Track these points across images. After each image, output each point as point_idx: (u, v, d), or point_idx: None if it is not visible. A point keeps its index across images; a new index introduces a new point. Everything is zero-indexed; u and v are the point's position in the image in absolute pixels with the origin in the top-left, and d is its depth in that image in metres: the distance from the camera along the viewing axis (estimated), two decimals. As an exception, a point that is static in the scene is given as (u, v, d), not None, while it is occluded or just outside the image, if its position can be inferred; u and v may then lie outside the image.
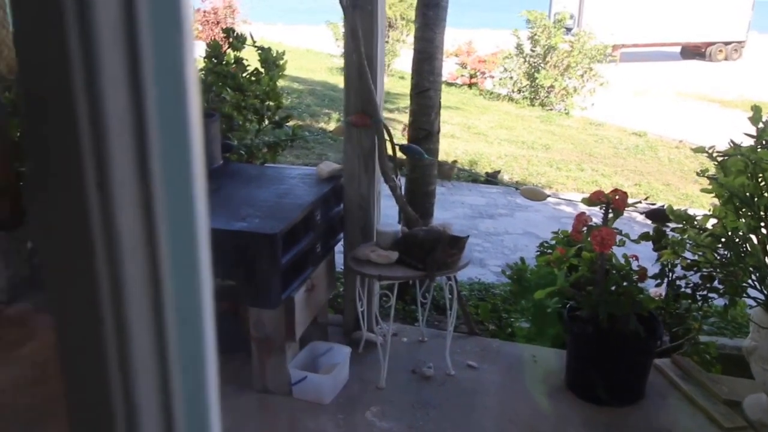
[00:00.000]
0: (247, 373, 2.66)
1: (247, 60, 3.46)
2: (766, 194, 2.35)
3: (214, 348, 0.42)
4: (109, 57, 0.33)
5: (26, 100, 0.35)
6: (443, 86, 3.49)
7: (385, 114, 2.84)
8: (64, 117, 0.34)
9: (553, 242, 3.31)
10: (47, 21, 0.33)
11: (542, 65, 12.14)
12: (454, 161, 7.00)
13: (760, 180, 2.36)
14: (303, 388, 2.55)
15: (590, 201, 2.58)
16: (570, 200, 5.78)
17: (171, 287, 0.38)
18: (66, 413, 0.39)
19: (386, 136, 2.83)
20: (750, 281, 2.40)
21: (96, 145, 0.34)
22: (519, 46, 12.41)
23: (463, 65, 13.70)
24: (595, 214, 2.71)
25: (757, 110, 2.42)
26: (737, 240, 2.41)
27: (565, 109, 11.99)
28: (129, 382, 0.38)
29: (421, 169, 3.42)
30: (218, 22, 15.06)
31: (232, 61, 3.39)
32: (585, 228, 2.54)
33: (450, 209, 6.03)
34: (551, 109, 12.06)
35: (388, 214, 3.24)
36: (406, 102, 3.64)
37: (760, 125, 2.42)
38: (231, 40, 3.45)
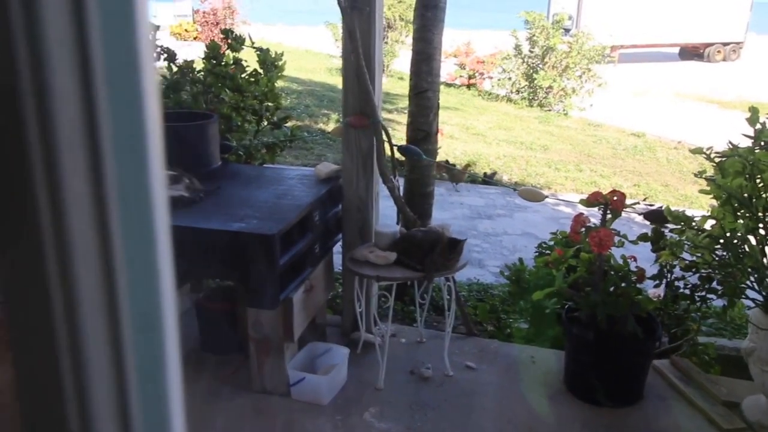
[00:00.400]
0: (245, 374, 2.66)
1: (245, 61, 3.46)
2: (764, 195, 2.35)
3: (177, 355, 0.41)
4: (60, 70, 0.33)
5: None
6: (442, 87, 3.49)
7: (384, 114, 2.85)
8: (12, 130, 0.33)
9: (552, 243, 3.31)
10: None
11: (541, 66, 12.16)
12: (467, 165, 6.93)
13: (758, 181, 2.36)
14: (301, 388, 2.55)
15: (588, 202, 2.58)
16: (569, 201, 5.78)
17: (127, 296, 0.37)
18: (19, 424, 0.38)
19: (385, 137, 2.83)
20: (748, 282, 2.40)
21: (47, 156, 0.33)
22: (517, 47, 12.43)
23: (462, 66, 13.72)
24: (594, 215, 2.71)
25: (754, 111, 2.42)
26: (735, 241, 2.41)
27: (564, 110, 12.01)
28: (84, 393, 0.37)
29: (420, 169, 3.42)
30: (217, 23, 15.07)
31: (231, 62, 3.39)
32: (583, 229, 2.54)
33: (449, 210, 6.03)
34: (550, 110, 12.08)
35: (386, 214, 3.24)
36: (406, 103, 3.64)
37: (758, 126, 2.42)
38: (229, 41, 3.45)
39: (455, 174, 6.61)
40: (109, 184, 0.35)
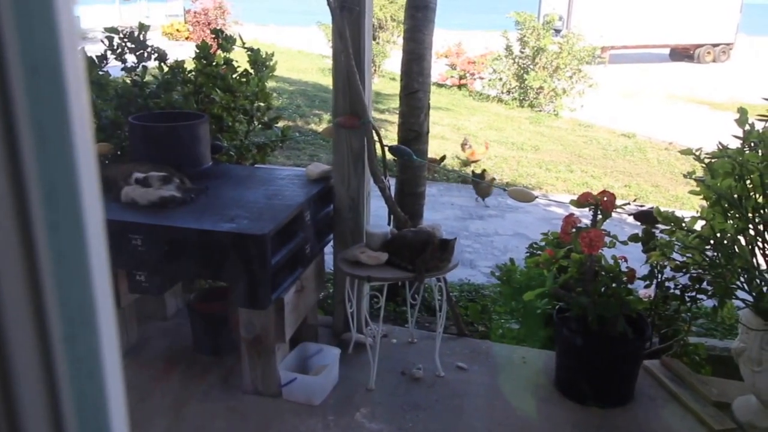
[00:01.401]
0: (236, 375, 2.65)
1: (236, 61, 3.44)
2: (753, 196, 2.36)
3: (116, 352, 0.39)
4: None
5: None
6: (433, 87, 3.49)
7: (375, 115, 2.84)
8: None
9: (543, 244, 3.32)
10: None
11: (531, 66, 12.19)
12: (492, 179, 6.46)
13: (747, 182, 2.37)
14: (293, 389, 2.54)
15: (579, 203, 2.59)
16: (560, 201, 5.80)
17: (56, 294, 0.35)
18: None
19: (375, 137, 2.82)
20: (738, 282, 2.41)
21: None
22: (508, 48, 12.46)
23: (453, 66, 13.74)
24: (585, 215, 2.72)
25: (743, 112, 2.43)
26: (725, 241, 2.42)
27: (555, 111, 12.05)
28: (12, 393, 0.36)
29: (411, 170, 3.42)
30: (209, 23, 15.01)
31: (222, 62, 3.37)
32: (574, 229, 2.55)
33: (440, 210, 6.03)
34: (540, 111, 12.11)
35: (377, 215, 3.24)
36: (397, 103, 3.64)
37: (747, 127, 2.43)
38: (220, 41, 3.43)
39: (483, 188, 6.24)
40: (31, 180, 0.34)
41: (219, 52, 3.42)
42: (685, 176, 2.67)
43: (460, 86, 13.60)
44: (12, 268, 0.34)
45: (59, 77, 0.34)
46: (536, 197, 3.18)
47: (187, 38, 16.54)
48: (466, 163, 7.82)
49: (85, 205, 0.36)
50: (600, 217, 2.55)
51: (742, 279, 2.39)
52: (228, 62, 3.39)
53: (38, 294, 0.35)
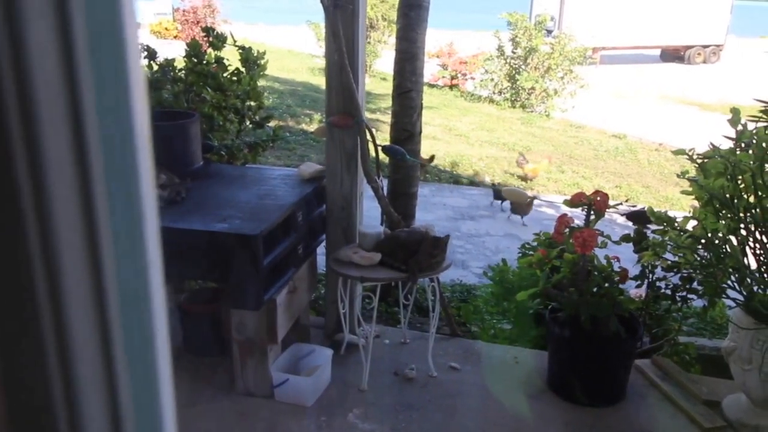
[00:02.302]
0: (228, 376, 2.63)
1: (227, 59, 3.42)
2: (745, 196, 2.37)
3: (167, 349, 0.40)
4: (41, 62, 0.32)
5: None
6: (424, 87, 3.49)
7: (367, 115, 2.83)
8: None
9: (535, 244, 3.32)
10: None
11: (523, 67, 12.21)
12: (534, 197, 5.74)
13: (739, 182, 2.38)
14: (285, 390, 2.53)
15: (572, 203, 2.59)
16: (551, 202, 5.81)
17: (114, 275, 0.36)
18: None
19: (369, 137, 2.81)
20: (729, 282, 2.42)
21: (30, 148, 0.32)
22: (500, 48, 12.47)
23: (444, 66, 13.74)
24: (576, 216, 2.72)
25: (735, 113, 2.44)
26: (717, 241, 2.43)
27: (546, 111, 12.07)
28: (72, 388, 0.36)
29: (404, 170, 3.41)
30: (198, 22, 14.92)
31: (213, 60, 3.35)
32: (567, 229, 2.55)
33: (432, 211, 6.03)
34: (532, 111, 12.13)
35: (370, 215, 3.23)
36: (388, 103, 3.63)
37: (739, 128, 2.44)
38: (211, 39, 3.41)
39: (521, 207, 5.46)
40: (96, 170, 0.34)
41: (209, 50, 3.40)
42: (678, 176, 2.68)
43: (451, 86, 13.60)
44: (75, 251, 0.35)
45: (125, 76, 0.35)
46: (529, 197, 3.19)
47: (175, 37, 16.41)
48: (523, 178, 7.35)
49: (144, 195, 0.38)
50: (593, 217, 2.56)
51: (733, 278, 2.40)
52: (219, 61, 3.37)
53: (98, 278, 0.36)
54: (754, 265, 2.39)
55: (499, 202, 5.93)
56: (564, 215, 2.61)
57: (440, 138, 9.18)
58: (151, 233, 0.38)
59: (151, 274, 0.38)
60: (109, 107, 0.34)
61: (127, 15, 0.34)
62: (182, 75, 3.35)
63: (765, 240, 2.34)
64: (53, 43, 0.32)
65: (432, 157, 7.10)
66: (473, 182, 7.27)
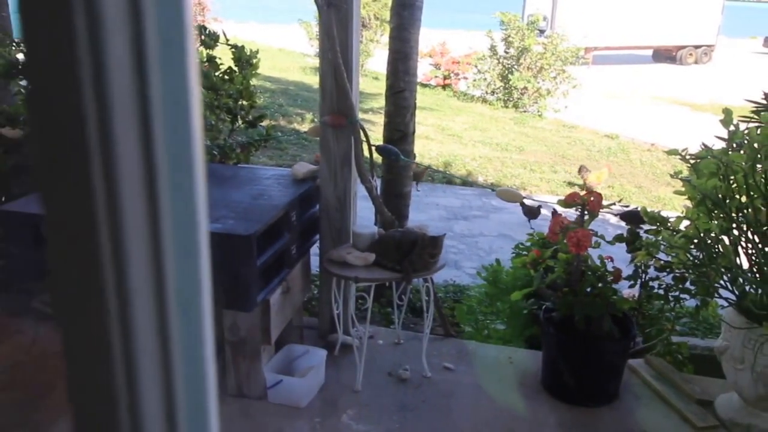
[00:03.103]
0: (221, 377, 2.61)
1: (219, 58, 3.40)
2: (737, 196, 2.38)
3: (212, 347, 0.43)
4: (115, 49, 0.33)
5: (33, 97, 0.35)
6: (417, 87, 3.49)
7: (359, 114, 2.82)
8: (71, 113, 0.34)
9: (529, 244, 3.32)
10: (55, 16, 0.33)
11: (516, 67, 12.23)
12: (527, 198, 5.59)
13: (731, 182, 2.39)
14: (278, 391, 2.51)
15: (566, 203, 2.60)
16: (544, 202, 5.82)
17: (174, 283, 0.38)
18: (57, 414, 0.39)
19: (363, 137, 2.80)
20: (721, 282, 2.43)
21: (103, 141, 0.34)
22: (493, 48, 12.48)
23: (437, 66, 13.74)
24: (569, 216, 2.73)
25: (728, 113, 2.45)
26: (709, 241, 2.44)
27: (539, 111, 12.10)
28: (133, 383, 0.38)
29: (397, 170, 3.41)
30: (188, 20, 14.81)
31: (205, 59, 3.33)
32: (561, 229, 2.55)
33: (425, 211, 6.03)
34: (525, 111, 12.16)
35: (363, 215, 3.22)
36: (380, 102, 3.63)
37: (731, 128, 2.45)
38: (203, 37, 3.39)
39: (532, 210, 5.35)
40: (161, 174, 0.36)
41: (201, 49, 3.37)
42: (672, 176, 2.69)
43: (444, 86, 13.61)
44: (140, 252, 0.37)
45: (186, 72, 0.37)
46: (524, 198, 3.19)
47: None
48: (583, 187, 7.04)
49: (198, 204, 0.39)
50: (587, 217, 2.56)
51: (725, 278, 2.41)
52: (211, 59, 3.35)
53: (160, 279, 0.38)
54: (746, 265, 2.40)
55: (528, 220, 5.41)
56: (558, 215, 2.61)
57: (433, 138, 9.18)
58: (203, 231, 0.40)
59: (203, 272, 0.41)
60: (172, 111, 0.36)
61: (188, 24, 0.36)
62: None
63: (757, 240, 2.35)
64: (128, 54, 0.34)
65: (426, 168, 6.98)
66: (466, 182, 7.27)
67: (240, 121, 3.49)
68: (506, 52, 12.38)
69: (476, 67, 12.90)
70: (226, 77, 3.37)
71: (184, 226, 0.38)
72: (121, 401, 0.38)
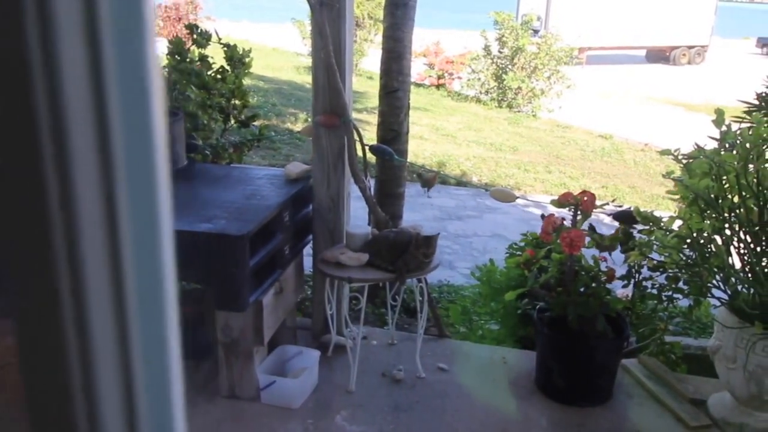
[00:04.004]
0: (213, 379, 2.60)
1: (212, 57, 3.39)
2: (729, 196, 2.38)
3: (178, 346, 0.42)
4: (67, 40, 0.32)
5: None
6: (411, 87, 3.48)
7: (353, 114, 2.81)
8: (22, 108, 0.33)
9: (523, 244, 3.32)
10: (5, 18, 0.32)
11: (510, 67, 12.24)
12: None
13: (723, 182, 2.39)
14: (271, 392, 2.50)
15: (559, 203, 2.59)
16: (538, 202, 5.82)
17: (134, 283, 0.37)
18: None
19: (356, 137, 2.79)
20: (714, 281, 2.43)
21: (55, 136, 0.33)
22: (487, 48, 12.48)
23: (431, 66, 13.74)
24: (563, 216, 2.72)
25: (720, 113, 2.45)
26: (702, 241, 2.44)
27: (533, 111, 12.11)
28: (91, 388, 0.37)
29: (391, 170, 3.40)
30: (180, 18, 14.73)
31: (197, 58, 3.31)
32: (554, 229, 2.55)
33: (419, 211, 6.02)
34: (519, 111, 12.17)
35: (357, 216, 3.21)
36: (374, 102, 3.62)
37: (723, 128, 2.46)
38: (195, 36, 3.37)
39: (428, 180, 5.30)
40: (119, 178, 0.36)
41: (193, 47, 3.35)
42: (664, 176, 2.69)
43: (438, 86, 13.60)
44: (97, 251, 0.36)
45: (146, 81, 0.36)
46: (518, 198, 3.18)
47: (157, 34, 16.22)
48: None
49: (161, 209, 0.39)
50: (580, 217, 2.56)
51: (717, 278, 2.42)
52: (203, 58, 3.33)
53: (118, 275, 0.37)
54: (738, 265, 2.41)
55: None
56: (552, 215, 2.61)
57: (427, 138, 9.18)
58: (166, 231, 0.39)
59: (166, 272, 0.39)
60: (130, 108, 0.36)
61: (147, 12, 0.35)
62: (165, 73, 3.31)
63: (749, 239, 2.36)
64: (82, 51, 0.33)
65: (437, 174, 6.90)
66: (460, 182, 7.27)
67: (232, 121, 3.47)
68: (500, 52, 12.38)
69: (470, 66, 12.90)
70: (218, 76, 3.35)
71: (144, 224, 0.37)
72: (79, 409, 0.37)
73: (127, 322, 0.37)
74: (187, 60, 3.29)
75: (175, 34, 7.75)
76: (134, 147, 0.36)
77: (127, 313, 0.37)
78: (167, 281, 0.40)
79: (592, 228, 2.92)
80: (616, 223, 2.97)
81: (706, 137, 2.53)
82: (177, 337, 0.41)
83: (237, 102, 3.43)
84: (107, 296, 0.36)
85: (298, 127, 8.61)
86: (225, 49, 3.40)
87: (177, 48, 3.27)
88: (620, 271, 2.84)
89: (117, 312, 0.37)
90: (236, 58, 3.38)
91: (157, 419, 0.40)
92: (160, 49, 3.41)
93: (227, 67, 3.39)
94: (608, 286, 2.65)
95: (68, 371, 0.36)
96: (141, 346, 0.38)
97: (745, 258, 2.38)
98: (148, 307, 0.38)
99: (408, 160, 3.68)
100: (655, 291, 2.88)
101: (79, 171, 0.34)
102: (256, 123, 3.64)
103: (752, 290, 2.37)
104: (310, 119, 2.82)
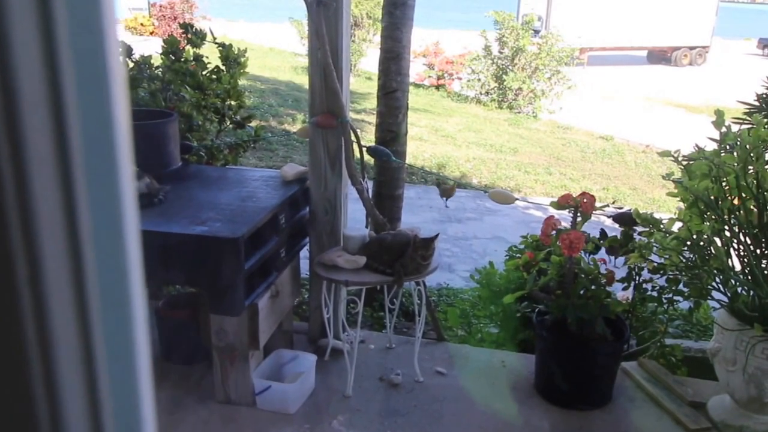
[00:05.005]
0: (208, 384, 2.58)
1: (207, 57, 3.36)
2: (729, 198, 2.36)
3: (147, 353, 0.41)
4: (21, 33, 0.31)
5: None
6: (410, 87, 3.45)
7: (351, 115, 2.78)
8: None
9: (522, 246, 3.29)
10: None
11: (510, 67, 12.21)
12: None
13: (723, 183, 2.37)
14: (267, 397, 2.48)
15: (559, 204, 2.57)
16: (539, 204, 5.80)
17: (96, 284, 0.36)
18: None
19: (353, 137, 2.77)
20: (714, 284, 2.41)
21: (9, 131, 0.32)
22: (487, 48, 12.45)
23: (431, 66, 13.72)
24: (563, 218, 2.70)
25: (720, 115, 2.43)
26: (702, 243, 2.42)
27: (533, 112, 12.08)
28: (53, 392, 0.36)
29: (389, 172, 3.37)
30: (175, 18, 14.69)
31: (191, 58, 3.28)
32: (554, 232, 2.53)
33: (418, 213, 6.00)
34: (519, 112, 12.14)
35: (354, 218, 3.19)
36: (373, 103, 3.59)
37: (723, 130, 2.43)
38: (189, 35, 3.34)
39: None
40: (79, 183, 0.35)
41: (188, 47, 3.33)
42: (664, 177, 2.66)
43: (438, 86, 13.58)
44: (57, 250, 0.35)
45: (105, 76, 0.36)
46: (517, 199, 3.16)
47: (152, 33, 16.08)
48: None
49: (123, 194, 0.38)
50: (580, 219, 2.53)
51: (717, 280, 2.40)
52: (198, 58, 3.30)
53: (80, 278, 0.36)
54: (738, 267, 2.39)
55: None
56: (551, 217, 2.59)
57: (426, 139, 9.15)
58: (131, 234, 0.38)
59: (132, 276, 0.38)
60: (90, 104, 0.35)
61: (108, 13, 0.35)
62: (159, 73, 3.27)
63: (748, 241, 2.34)
64: (36, 41, 0.32)
65: (455, 184, 6.66)
66: (460, 184, 7.23)
67: (228, 122, 3.45)
68: (500, 53, 12.35)
69: (470, 67, 12.87)
70: (213, 76, 3.32)
71: (106, 222, 0.36)
72: (41, 412, 0.35)
73: (90, 316, 0.36)
74: (182, 60, 3.26)
75: (169, 34, 7.72)
76: (94, 139, 0.35)
77: (89, 307, 0.36)
78: (133, 276, 0.38)
79: (603, 233, 2.90)
80: (617, 225, 2.95)
81: (707, 139, 2.51)
82: (146, 334, 0.40)
83: (232, 102, 3.41)
84: (68, 291, 0.35)
85: (296, 127, 8.59)
86: (220, 48, 3.37)
87: (171, 47, 3.24)
88: (620, 273, 2.82)
89: (78, 306, 0.35)
90: (231, 58, 3.36)
91: (124, 419, 0.39)
92: (155, 48, 3.39)
93: (222, 67, 3.36)
94: (608, 288, 2.63)
95: (29, 368, 0.35)
96: (106, 342, 0.37)
97: (745, 260, 2.36)
98: (112, 302, 0.37)
99: (407, 161, 3.66)
100: (655, 293, 2.86)
101: (36, 164, 0.33)
102: (251, 124, 3.61)
103: (752, 292, 2.35)
104: (307, 120, 2.79)
